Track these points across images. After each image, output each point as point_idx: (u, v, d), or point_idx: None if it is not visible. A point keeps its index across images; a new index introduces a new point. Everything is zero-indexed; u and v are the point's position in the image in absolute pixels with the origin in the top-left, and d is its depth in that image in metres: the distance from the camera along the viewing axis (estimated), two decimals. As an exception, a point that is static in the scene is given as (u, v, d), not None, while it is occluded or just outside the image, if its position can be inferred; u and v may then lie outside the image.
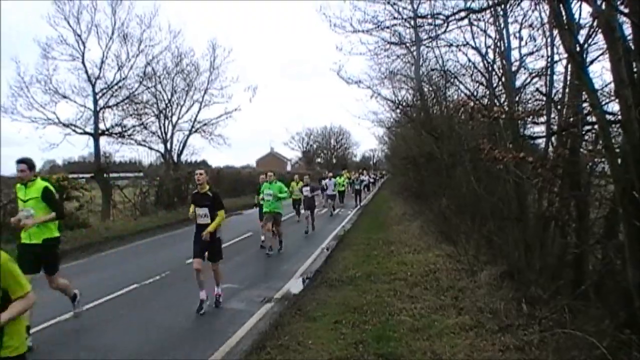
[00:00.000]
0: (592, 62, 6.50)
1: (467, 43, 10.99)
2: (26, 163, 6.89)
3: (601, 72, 7.22)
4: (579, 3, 6.12)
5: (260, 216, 15.26)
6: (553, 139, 8.03)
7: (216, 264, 8.77)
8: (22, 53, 62.13)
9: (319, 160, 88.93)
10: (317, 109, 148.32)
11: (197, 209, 8.62)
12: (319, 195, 28.40)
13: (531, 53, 9.52)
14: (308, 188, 18.78)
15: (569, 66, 7.27)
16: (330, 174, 27.76)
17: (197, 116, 31.88)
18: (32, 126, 25.01)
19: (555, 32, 7.15)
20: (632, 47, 5.09)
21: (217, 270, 8.80)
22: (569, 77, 7.57)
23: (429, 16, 10.04)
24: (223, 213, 8.68)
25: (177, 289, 10.02)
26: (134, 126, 28.62)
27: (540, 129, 8.83)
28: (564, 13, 5.42)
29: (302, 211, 19.41)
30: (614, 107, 5.79)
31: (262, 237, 14.76)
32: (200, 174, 8.45)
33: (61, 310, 8.03)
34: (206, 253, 8.60)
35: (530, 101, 9.94)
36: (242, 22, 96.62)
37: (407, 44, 15.05)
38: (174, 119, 31.35)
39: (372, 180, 54.70)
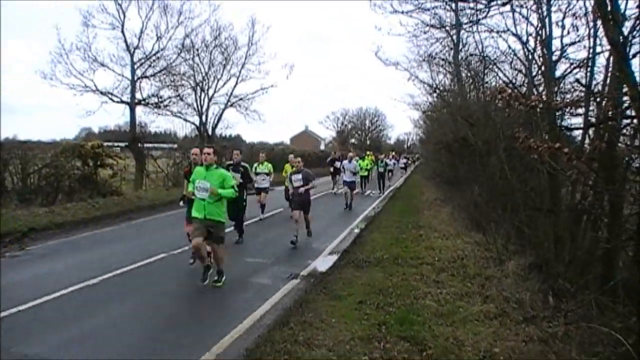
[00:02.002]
0: (635, 55, 6.36)
1: (508, 29, 10.84)
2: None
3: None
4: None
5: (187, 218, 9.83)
6: (590, 131, 7.90)
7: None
8: (63, 20, 62.92)
9: (352, 140, 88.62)
10: (353, 90, 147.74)
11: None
12: (333, 181, 27.44)
13: (573, 43, 9.32)
14: (300, 176, 12.62)
15: (611, 58, 7.12)
16: (351, 154, 22.45)
17: (233, 90, 31.95)
18: (70, 93, 25.51)
19: (599, 22, 6.99)
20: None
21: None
22: (610, 70, 7.42)
23: (470, 0, 9.92)
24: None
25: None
26: (170, 97, 28.95)
27: (577, 121, 8.70)
28: (608, 3, 5.30)
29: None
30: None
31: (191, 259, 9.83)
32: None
33: (85, 277, 8.28)
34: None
35: (569, 92, 9.77)
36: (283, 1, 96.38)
37: (447, 28, 14.90)
38: (210, 92, 31.52)
39: (402, 165, 50.89)
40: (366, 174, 27.78)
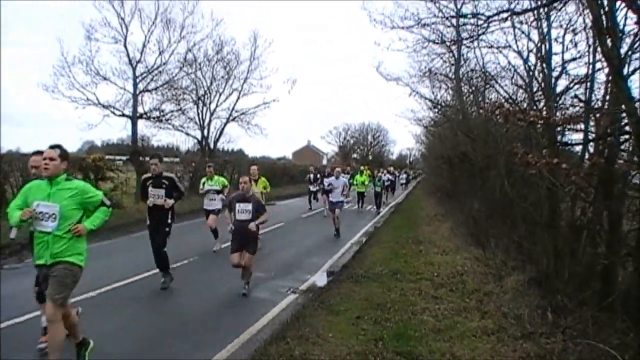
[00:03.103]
0: (634, 71, 6.37)
1: (509, 45, 10.90)
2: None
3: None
4: (626, 11, 6.00)
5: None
6: (590, 147, 7.90)
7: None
8: (66, 34, 63.39)
9: (355, 155, 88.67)
10: (355, 105, 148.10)
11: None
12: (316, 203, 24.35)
13: (574, 59, 9.36)
14: (249, 207, 8.90)
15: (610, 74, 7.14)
16: (338, 169, 18.53)
17: (235, 105, 32.28)
18: (72, 106, 25.73)
19: (597, 38, 7.01)
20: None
21: None
22: (609, 86, 7.44)
23: (470, 15, 9.94)
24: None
25: (203, 275, 10.21)
26: (172, 111, 29.19)
27: (578, 137, 8.70)
28: (604, 19, 5.32)
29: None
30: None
31: None
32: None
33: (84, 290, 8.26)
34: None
35: (569, 108, 9.78)
36: (284, 15, 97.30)
37: (448, 43, 14.94)
38: (212, 106, 31.86)
39: (403, 180, 49.46)
40: (363, 189, 25.42)
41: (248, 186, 9.15)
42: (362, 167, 34.34)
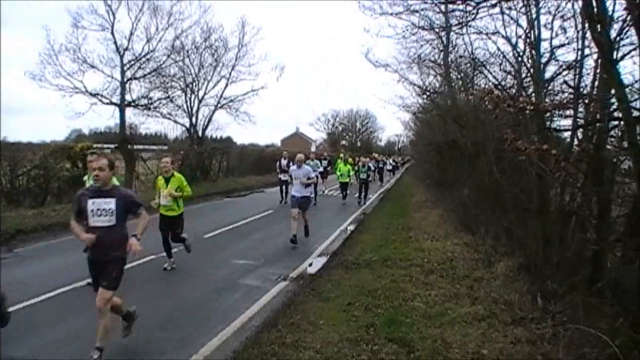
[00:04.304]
0: (622, 57, 6.37)
1: (498, 31, 10.86)
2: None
3: (632, 69, 7.08)
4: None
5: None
6: (579, 133, 7.92)
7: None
8: (52, 21, 62.70)
9: (343, 142, 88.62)
10: (344, 91, 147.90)
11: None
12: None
13: (562, 45, 9.33)
14: (108, 203, 5.67)
15: (599, 60, 7.14)
16: (301, 155, 13.44)
17: (223, 92, 32.24)
18: (59, 94, 25.42)
19: (587, 24, 7.00)
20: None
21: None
22: (598, 71, 7.44)
23: (459, 1, 9.91)
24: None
25: (193, 262, 10.18)
26: (160, 99, 29.10)
27: (566, 123, 8.73)
28: (594, 4, 5.32)
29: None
30: (642, 104, 5.70)
31: None
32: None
33: (73, 279, 8.22)
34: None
35: (558, 94, 9.79)
36: (272, 1, 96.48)
37: (437, 30, 14.91)
38: (200, 93, 31.77)
39: (389, 168, 47.24)
40: (347, 180, 23.38)
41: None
42: (341, 154, 30.48)
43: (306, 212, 12.86)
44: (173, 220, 9.70)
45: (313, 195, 13.53)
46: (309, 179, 12.83)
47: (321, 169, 18.03)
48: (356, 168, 25.14)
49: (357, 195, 23.55)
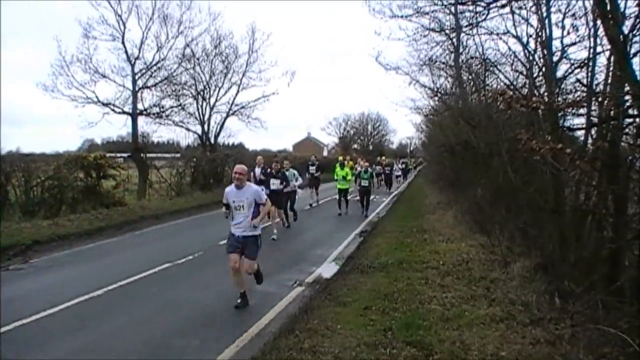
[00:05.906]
0: (636, 53, 6.33)
1: (508, 31, 10.80)
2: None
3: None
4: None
5: None
6: (593, 131, 7.87)
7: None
8: (63, 33, 63.15)
9: (355, 146, 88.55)
10: (355, 95, 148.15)
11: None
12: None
13: (574, 43, 9.28)
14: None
15: (612, 58, 7.10)
16: (243, 167, 8.22)
17: (234, 99, 32.16)
18: (72, 105, 25.61)
19: (599, 22, 6.97)
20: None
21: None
22: (611, 69, 7.39)
23: (469, 2, 9.90)
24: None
25: (209, 269, 10.20)
26: (171, 107, 29.19)
27: (580, 121, 8.66)
28: (607, 1, 5.29)
29: None
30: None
31: None
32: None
33: (90, 288, 8.27)
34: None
35: (571, 92, 9.73)
36: (282, 6, 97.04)
37: (447, 31, 14.90)
38: (212, 100, 31.76)
39: (398, 172, 42.28)
40: (346, 186, 20.35)
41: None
42: (340, 157, 27.48)
43: (254, 260, 8.21)
44: None
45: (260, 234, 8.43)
46: (258, 205, 8.16)
47: (300, 181, 15.42)
48: (355, 173, 22.11)
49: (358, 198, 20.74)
